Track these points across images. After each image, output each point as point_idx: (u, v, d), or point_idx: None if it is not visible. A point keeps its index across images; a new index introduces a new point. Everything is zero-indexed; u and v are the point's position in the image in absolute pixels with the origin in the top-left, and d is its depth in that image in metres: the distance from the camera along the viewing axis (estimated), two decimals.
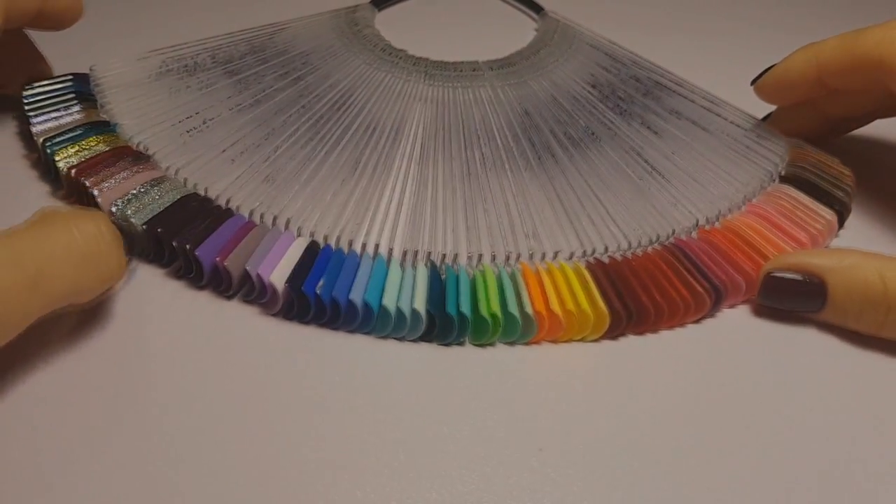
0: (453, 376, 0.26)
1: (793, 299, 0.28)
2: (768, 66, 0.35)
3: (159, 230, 0.28)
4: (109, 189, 0.29)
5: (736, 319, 0.29)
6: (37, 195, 0.31)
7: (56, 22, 0.32)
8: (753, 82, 0.35)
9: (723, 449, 0.24)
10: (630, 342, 0.28)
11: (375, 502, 0.22)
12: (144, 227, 0.28)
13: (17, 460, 0.22)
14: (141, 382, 0.25)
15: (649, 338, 0.28)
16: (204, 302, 0.28)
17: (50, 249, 0.22)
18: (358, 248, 0.29)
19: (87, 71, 0.36)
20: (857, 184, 0.34)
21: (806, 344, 0.28)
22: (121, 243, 0.24)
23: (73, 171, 0.30)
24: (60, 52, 0.36)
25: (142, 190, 0.29)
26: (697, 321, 0.29)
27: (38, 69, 0.35)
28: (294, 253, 0.28)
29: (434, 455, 0.23)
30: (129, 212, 0.29)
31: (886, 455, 0.24)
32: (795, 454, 0.24)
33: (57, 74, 0.35)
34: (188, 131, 0.34)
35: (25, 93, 0.34)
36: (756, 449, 0.24)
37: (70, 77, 0.35)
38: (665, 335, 0.28)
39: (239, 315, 0.27)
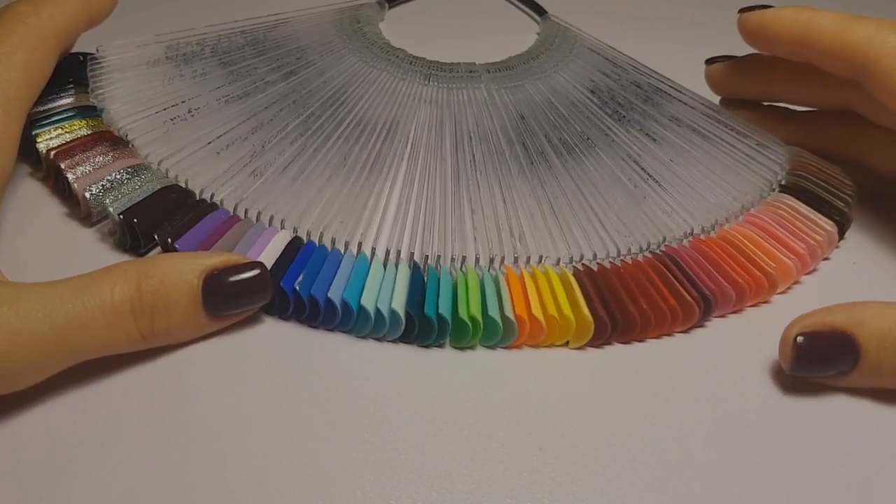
0: (432, 378, 0.25)
1: (826, 361, 0.25)
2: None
3: (135, 220, 0.27)
4: (85, 174, 0.29)
5: (725, 329, 0.28)
6: (17, 175, 0.31)
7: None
8: (741, 11, 0.33)
9: (709, 457, 0.24)
10: (615, 350, 0.27)
11: (373, 502, 0.21)
12: (121, 216, 0.27)
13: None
14: (132, 378, 0.24)
15: (635, 346, 0.27)
16: None
17: (84, 306, 0.22)
18: (342, 245, 0.28)
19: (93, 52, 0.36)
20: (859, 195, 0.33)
21: None
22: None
23: (51, 152, 0.30)
24: None
25: (118, 177, 0.29)
26: (686, 331, 0.28)
27: None
28: (275, 247, 0.27)
29: (408, 455, 0.23)
30: (107, 200, 0.28)
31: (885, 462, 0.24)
32: (784, 462, 0.24)
33: None
34: (171, 119, 0.33)
35: None
36: (744, 456, 0.24)
37: (72, 57, 0.34)
38: (652, 343, 0.27)
39: None
